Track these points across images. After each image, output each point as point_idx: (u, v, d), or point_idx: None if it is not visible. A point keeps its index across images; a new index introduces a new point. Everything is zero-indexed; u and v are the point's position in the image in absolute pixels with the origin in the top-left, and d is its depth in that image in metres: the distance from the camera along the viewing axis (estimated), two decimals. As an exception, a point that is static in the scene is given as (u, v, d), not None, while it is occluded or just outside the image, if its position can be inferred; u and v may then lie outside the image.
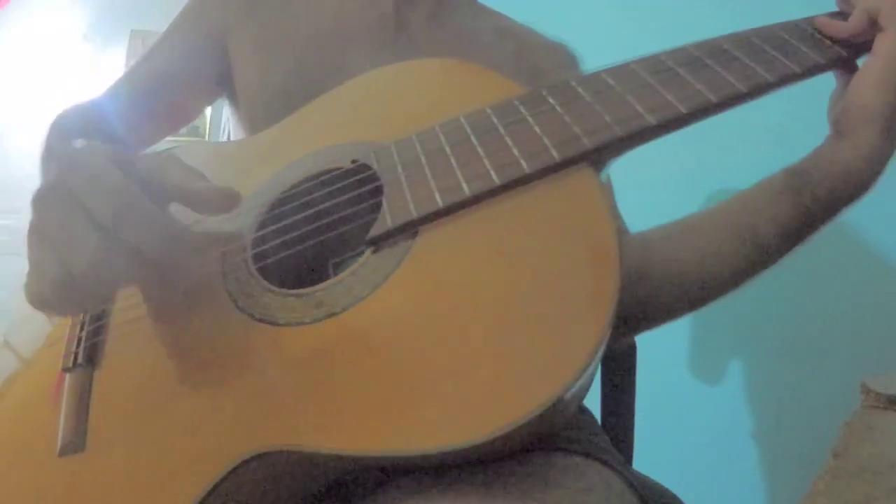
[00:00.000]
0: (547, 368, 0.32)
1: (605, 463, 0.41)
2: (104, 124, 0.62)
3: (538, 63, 0.66)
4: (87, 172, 0.36)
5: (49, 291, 0.37)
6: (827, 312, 0.91)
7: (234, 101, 0.68)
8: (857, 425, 0.39)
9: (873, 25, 0.46)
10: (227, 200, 0.39)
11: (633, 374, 0.72)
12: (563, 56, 0.69)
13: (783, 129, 0.92)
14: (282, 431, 0.34)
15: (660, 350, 0.92)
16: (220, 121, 1.87)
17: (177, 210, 0.40)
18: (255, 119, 0.63)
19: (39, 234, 0.37)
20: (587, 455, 0.41)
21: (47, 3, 2.10)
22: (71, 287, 0.36)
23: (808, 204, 0.50)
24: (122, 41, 2.05)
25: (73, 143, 0.43)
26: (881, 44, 0.45)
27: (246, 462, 0.34)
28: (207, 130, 2.00)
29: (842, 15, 0.48)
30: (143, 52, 0.68)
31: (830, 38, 0.47)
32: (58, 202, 0.36)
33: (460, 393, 0.32)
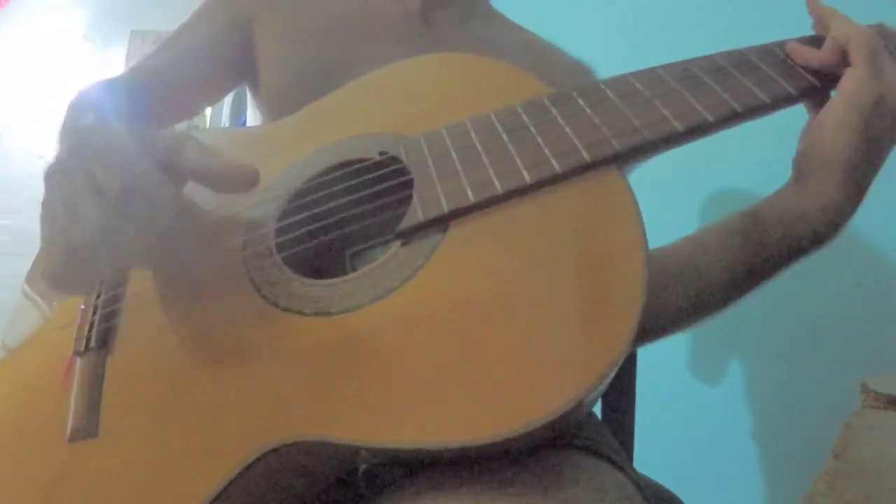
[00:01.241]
0: (574, 369, 0.32)
1: (615, 464, 0.41)
2: (121, 102, 0.62)
3: (560, 80, 0.65)
4: (97, 147, 0.36)
5: (56, 266, 0.37)
6: (827, 312, 0.91)
7: (254, 88, 0.68)
8: (857, 425, 0.39)
9: (845, 57, 0.43)
10: (247, 179, 0.38)
11: (634, 374, 0.72)
12: (584, 74, 0.69)
13: (783, 129, 0.92)
14: (302, 424, 0.34)
15: (660, 350, 0.92)
16: (220, 120, 1.87)
17: (199, 196, 0.40)
18: (273, 104, 0.63)
19: (49, 208, 0.37)
20: (599, 455, 0.41)
21: (47, 3, 2.10)
22: (76, 260, 0.36)
23: (755, 248, 0.47)
24: (122, 41, 2.05)
25: (85, 118, 0.43)
26: (845, 81, 0.42)
27: (264, 455, 0.34)
28: (208, 126, 2.00)
29: (819, 39, 0.45)
30: (166, 39, 0.68)
31: (801, 67, 0.44)
32: (67, 177, 0.36)
33: (488, 388, 0.32)
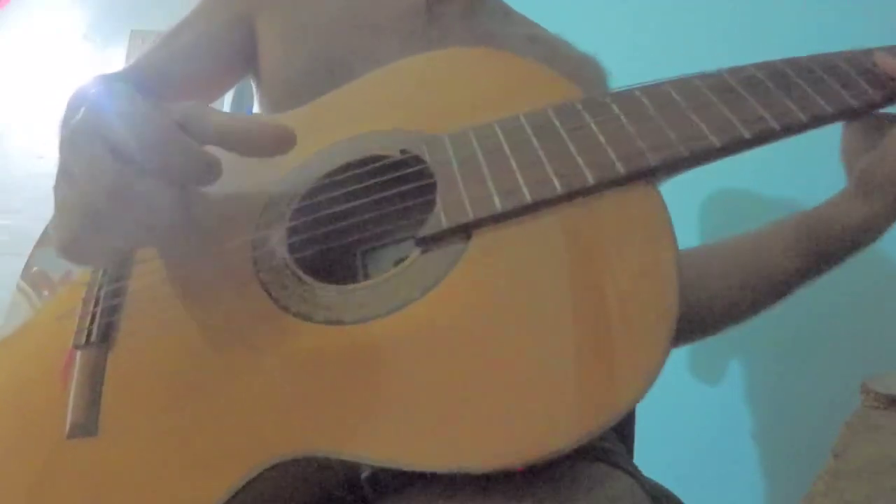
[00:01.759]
0: (601, 395, 0.31)
1: (628, 472, 0.41)
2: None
3: (569, 75, 0.65)
4: (114, 108, 0.35)
5: (73, 233, 0.36)
6: (827, 312, 0.91)
7: (258, 82, 0.68)
8: (857, 425, 0.39)
9: None
10: (282, 140, 0.36)
11: (634, 374, 0.72)
12: (593, 69, 0.68)
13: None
14: (315, 437, 0.33)
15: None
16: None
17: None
18: (277, 99, 0.63)
19: (64, 174, 0.36)
20: (612, 464, 0.41)
21: (47, 3, 2.10)
22: (91, 226, 0.35)
23: (818, 258, 0.49)
24: (122, 41, 2.05)
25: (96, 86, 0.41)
26: None
27: (272, 467, 0.33)
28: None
29: None
30: (170, 29, 0.68)
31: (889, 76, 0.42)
32: (82, 140, 0.35)
33: (509, 414, 0.31)
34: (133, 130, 0.34)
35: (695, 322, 0.54)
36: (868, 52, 0.44)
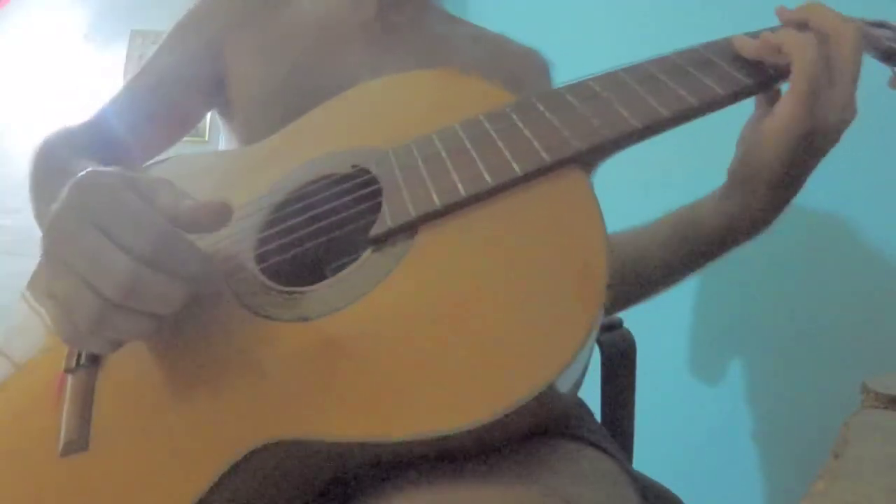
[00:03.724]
0: (543, 353, 0.33)
1: (601, 449, 0.41)
2: (93, 142, 0.63)
3: (512, 66, 0.70)
4: (107, 198, 0.35)
5: (85, 324, 0.36)
6: (827, 312, 0.91)
7: (227, 109, 0.69)
8: (857, 425, 0.39)
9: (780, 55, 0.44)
10: (220, 216, 0.38)
11: (633, 373, 0.72)
12: (535, 61, 0.73)
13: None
14: (284, 423, 0.35)
15: (660, 350, 0.92)
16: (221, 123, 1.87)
17: None
18: (253, 123, 0.65)
19: (63, 263, 0.36)
20: (584, 441, 0.41)
21: (47, 3, 2.10)
22: (108, 317, 0.35)
23: (692, 248, 0.52)
24: (123, 41, 2.05)
25: (74, 163, 0.42)
26: (780, 111, 0.43)
27: (249, 456, 0.35)
28: (207, 132, 2.00)
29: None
30: (142, 64, 0.69)
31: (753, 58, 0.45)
32: (78, 228, 0.35)
33: (461, 378, 0.33)
34: (143, 234, 0.35)
35: None
36: (728, 39, 0.47)
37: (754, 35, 0.46)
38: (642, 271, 0.55)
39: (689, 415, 1.08)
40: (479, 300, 0.36)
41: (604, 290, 0.35)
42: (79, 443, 0.39)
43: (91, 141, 0.63)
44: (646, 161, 0.75)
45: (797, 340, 0.94)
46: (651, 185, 0.98)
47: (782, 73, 0.45)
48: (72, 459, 0.39)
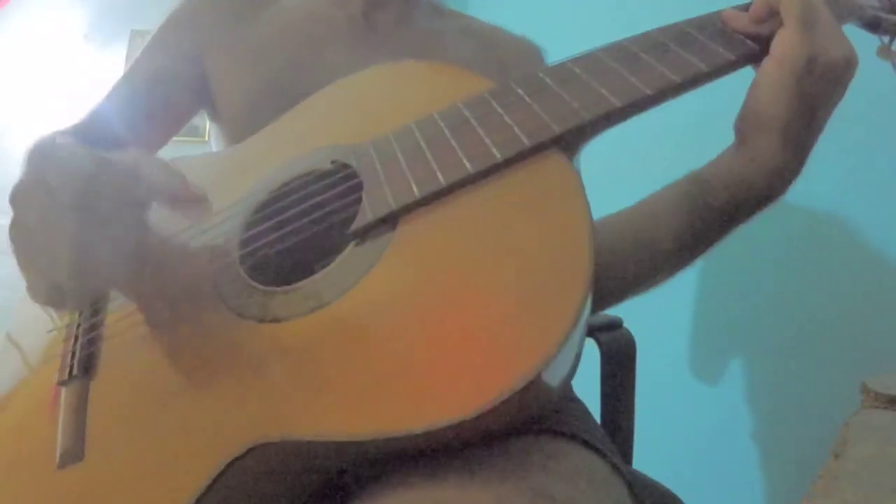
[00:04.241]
0: (528, 342, 0.32)
1: (590, 446, 0.41)
2: (86, 143, 0.63)
3: (503, 57, 0.68)
4: (57, 161, 0.37)
5: (51, 285, 0.37)
6: (827, 312, 0.91)
7: (214, 111, 0.69)
8: (857, 425, 0.39)
9: (776, 16, 0.42)
10: (199, 208, 0.40)
11: (633, 373, 0.72)
12: (526, 49, 0.71)
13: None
14: (274, 423, 0.35)
15: (660, 350, 0.92)
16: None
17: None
18: (240, 124, 0.64)
19: (24, 230, 0.38)
20: (573, 437, 0.40)
21: (47, 3, 2.10)
22: (74, 275, 0.36)
23: (702, 213, 0.48)
24: (123, 41, 2.05)
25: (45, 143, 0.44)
26: (776, 43, 0.42)
27: (241, 457, 0.34)
28: (207, 130, 2.00)
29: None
30: (130, 64, 0.69)
31: (738, 32, 0.44)
32: (33, 195, 0.37)
33: (446, 372, 0.33)
34: (74, 180, 0.37)
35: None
36: (716, 14, 0.46)
37: (743, 8, 0.45)
38: (655, 238, 0.51)
39: (689, 415, 1.08)
40: (461, 290, 0.36)
41: (589, 276, 0.33)
42: (74, 454, 0.39)
43: (85, 142, 0.63)
44: (646, 161, 0.75)
45: (797, 340, 0.94)
46: (651, 184, 0.97)
47: (765, 47, 0.44)
48: (70, 470, 0.39)
